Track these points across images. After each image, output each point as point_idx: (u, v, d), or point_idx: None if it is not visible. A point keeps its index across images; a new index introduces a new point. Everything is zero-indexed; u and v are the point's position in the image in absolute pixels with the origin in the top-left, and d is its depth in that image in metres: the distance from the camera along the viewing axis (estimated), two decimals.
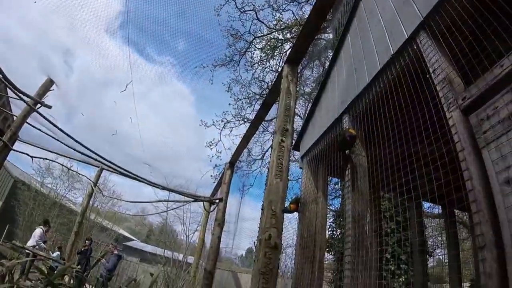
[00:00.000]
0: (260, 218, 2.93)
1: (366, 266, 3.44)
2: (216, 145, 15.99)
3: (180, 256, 20.64)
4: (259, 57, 15.94)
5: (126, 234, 35.67)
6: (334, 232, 10.21)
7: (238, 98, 15.98)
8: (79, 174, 11.10)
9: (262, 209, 2.93)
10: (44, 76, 6.58)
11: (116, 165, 7.66)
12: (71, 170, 17.31)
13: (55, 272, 6.77)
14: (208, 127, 16.15)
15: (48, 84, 6.47)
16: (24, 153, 7.84)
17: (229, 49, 15.82)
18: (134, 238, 37.72)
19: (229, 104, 16.10)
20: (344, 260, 3.71)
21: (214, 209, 8.03)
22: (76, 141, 6.19)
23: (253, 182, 14.97)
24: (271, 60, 15.73)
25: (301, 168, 6.17)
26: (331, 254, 9.54)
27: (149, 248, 32.20)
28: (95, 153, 6.81)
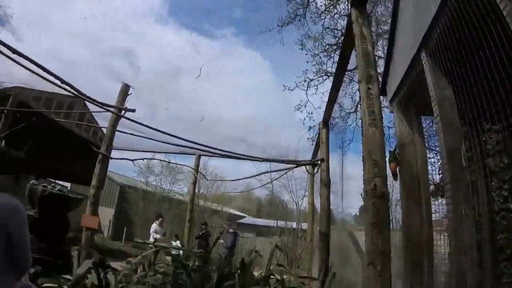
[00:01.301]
0: (363, 169, 2.99)
1: (470, 203, 3.34)
2: (305, 106, 15.92)
3: (294, 224, 21.41)
4: (323, 6, 15.27)
5: (236, 212, 37.70)
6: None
7: (314, 53, 15.61)
8: (179, 164, 11.97)
9: (363, 160, 3.00)
10: (117, 83, 7.16)
11: (212, 147, 8.08)
12: (171, 162, 18.74)
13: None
14: (292, 90, 16.08)
15: (125, 89, 6.98)
16: (125, 158, 8.62)
17: (290, 4, 15.40)
18: (245, 215, 39.69)
19: (307, 62, 15.81)
20: (445, 196, 3.64)
21: (317, 171, 8.16)
22: (171, 134, 6.71)
23: (352, 137, 14.63)
24: (337, 5, 14.98)
25: (391, 112, 6.02)
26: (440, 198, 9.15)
27: (261, 222, 33.69)
28: (191, 141, 7.28)
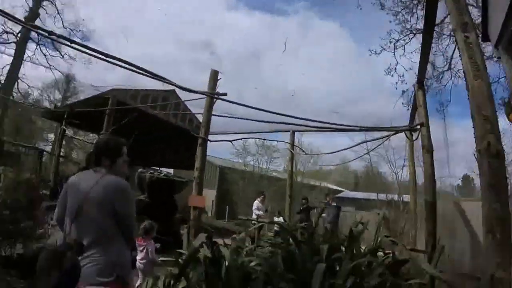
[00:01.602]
0: (473, 127, 2.76)
1: None
2: (395, 69, 15.06)
3: (395, 196, 20.66)
4: None
5: (334, 187, 37.42)
6: None
7: (395, 11, 14.61)
8: (275, 140, 11.87)
9: (472, 117, 2.77)
10: (202, 75, 7.45)
11: (307, 119, 7.95)
12: (267, 139, 18.98)
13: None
14: (378, 54, 15.26)
15: (214, 75, 7.27)
16: (223, 140, 8.91)
17: None
18: (342, 189, 39.26)
19: (390, 21, 14.85)
20: None
21: (417, 137, 7.69)
22: (265, 110, 6.77)
23: (450, 98, 13.44)
24: None
25: (498, 58, 5.36)
26: None
27: (360, 195, 33.04)
28: (285, 115, 7.26)
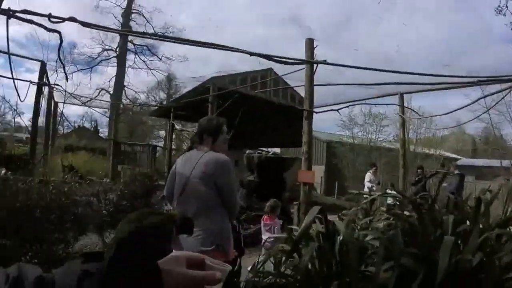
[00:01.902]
0: None
1: None
2: (507, 6, 13.12)
3: None
4: None
5: (450, 154, 34.84)
6: None
7: None
8: (384, 104, 11.14)
9: None
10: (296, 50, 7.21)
11: (416, 73, 7.30)
12: (375, 104, 18.14)
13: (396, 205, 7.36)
14: None
15: (310, 44, 7.00)
16: (328, 110, 8.58)
17: None
18: (459, 156, 36.37)
19: None
20: None
21: None
22: (371, 68, 6.34)
23: None
24: None
25: None
26: None
27: (481, 162, 30.27)
28: (392, 71, 6.60)
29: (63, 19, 5.27)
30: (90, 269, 0.67)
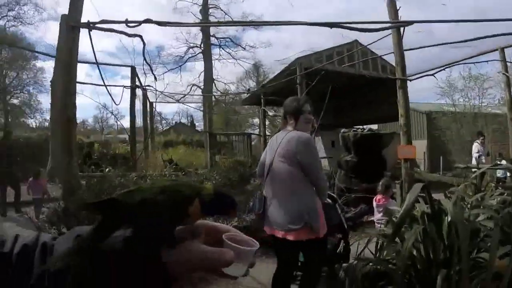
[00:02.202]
0: None
1: None
2: None
3: None
4: None
5: None
6: None
7: None
8: (482, 62, 9.96)
9: None
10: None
11: None
12: (474, 62, 16.60)
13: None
14: None
15: (393, 6, 6.57)
16: (423, 76, 8.04)
17: None
18: None
19: None
20: None
21: None
22: (466, 20, 5.79)
23: None
24: None
25: None
26: None
27: None
28: (491, 20, 5.88)
29: (140, 22, 5.56)
30: (83, 235, 0.63)
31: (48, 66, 36.74)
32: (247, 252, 0.68)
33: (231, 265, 0.65)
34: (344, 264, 3.50)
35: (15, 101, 34.93)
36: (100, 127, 47.54)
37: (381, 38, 6.86)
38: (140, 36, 6.55)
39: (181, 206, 0.67)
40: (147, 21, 5.69)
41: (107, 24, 6.03)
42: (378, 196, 5.58)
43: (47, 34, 56.18)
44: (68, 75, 5.85)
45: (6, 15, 30.58)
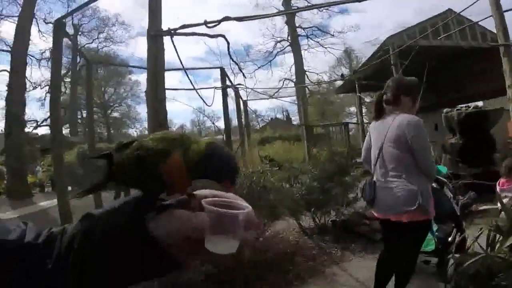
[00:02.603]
0: None
1: None
2: None
3: None
4: None
5: None
6: None
7: None
8: None
9: None
10: None
11: None
12: None
13: None
14: None
15: None
16: None
17: None
18: None
19: None
20: None
21: None
22: None
23: None
24: None
25: None
26: None
27: None
28: None
29: (218, 21, 5.62)
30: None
31: (142, 78, 40.22)
32: (231, 217, 0.57)
33: (211, 236, 0.56)
34: (456, 255, 3.26)
35: (115, 114, 38.96)
36: (198, 130, 49.87)
37: (476, 1, 6.15)
38: (223, 36, 6.66)
39: (150, 166, 0.60)
40: (226, 19, 5.76)
41: (188, 29, 6.21)
42: (502, 180, 4.98)
43: (137, 49, 61.26)
44: (156, 82, 6.13)
45: (97, 38, 34.56)
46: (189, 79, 9.11)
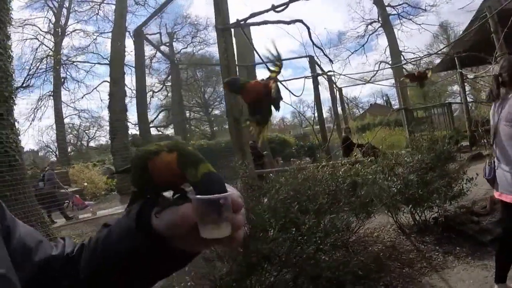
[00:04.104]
0: None
1: None
2: None
3: None
4: None
5: None
6: None
7: None
8: None
9: None
10: None
11: None
12: None
13: None
14: None
15: None
16: None
17: None
18: None
19: None
20: None
21: None
22: None
23: None
24: None
25: None
26: None
27: None
28: None
29: (286, 4, 5.20)
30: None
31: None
32: (214, 202, 0.59)
33: (204, 224, 0.60)
34: None
35: (216, 111, 40.62)
36: (299, 121, 49.71)
37: None
38: (301, 21, 6.24)
39: (139, 163, 0.69)
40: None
41: (258, 17, 5.93)
42: None
43: None
44: (228, 76, 5.93)
45: (191, 42, 36.25)
46: (269, 71, 8.69)
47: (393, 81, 23.55)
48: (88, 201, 14.39)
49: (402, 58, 26.83)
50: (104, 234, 0.69)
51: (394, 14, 29.05)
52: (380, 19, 28.13)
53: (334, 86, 16.38)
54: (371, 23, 29.76)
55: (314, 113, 14.43)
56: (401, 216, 5.40)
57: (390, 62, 26.80)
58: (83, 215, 12.26)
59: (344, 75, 16.27)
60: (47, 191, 11.43)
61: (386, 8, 28.02)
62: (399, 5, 28.89)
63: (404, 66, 25.63)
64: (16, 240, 0.68)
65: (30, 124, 32.04)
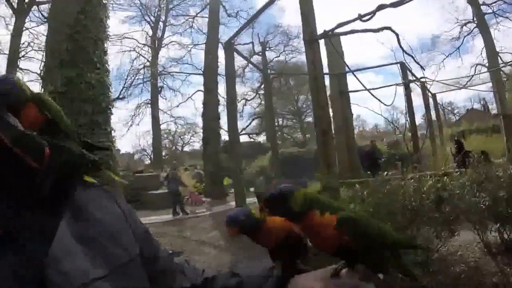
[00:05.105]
0: None
1: None
2: None
3: None
4: None
5: None
6: None
7: None
8: None
9: None
10: None
11: None
12: None
13: None
14: None
15: None
16: None
17: None
18: None
19: None
20: None
21: None
22: None
23: None
24: None
25: None
26: None
27: None
28: None
29: (373, 12, 5.27)
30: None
31: None
32: None
33: None
34: None
35: (309, 119, 40.29)
36: (392, 128, 48.18)
37: None
38: (389, 28, 6.28)
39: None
40: (380, 7, 5.43)
41: (345, 27, 6.02)
42: None
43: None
44: (317, 88, 6.05)
45: (284, 51, 37.24)
46: (357, 79, 8.84)
47: (490, 84, 21.92)
48: None
49: (499, 59, 24.85)
50: (233, 285, 0.76)
51: (489, 13, 26.94)
52: (475, 19, 26.34)
53: (428, 92, 15.78)
54: (465, 24, 27.98)
55: (407, 120, 14.14)
56: (488, 235, 5.08)
57: (487, 64, 24.96)
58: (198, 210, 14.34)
59: (436, 81, 15.64)
60: (174, 188, 13.67)
61: (481, 7, 26.11)
62: (494, 2, 26.77)
63: (503, 68, 23.79)
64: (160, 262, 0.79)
65: (128, 129, 35.14)
